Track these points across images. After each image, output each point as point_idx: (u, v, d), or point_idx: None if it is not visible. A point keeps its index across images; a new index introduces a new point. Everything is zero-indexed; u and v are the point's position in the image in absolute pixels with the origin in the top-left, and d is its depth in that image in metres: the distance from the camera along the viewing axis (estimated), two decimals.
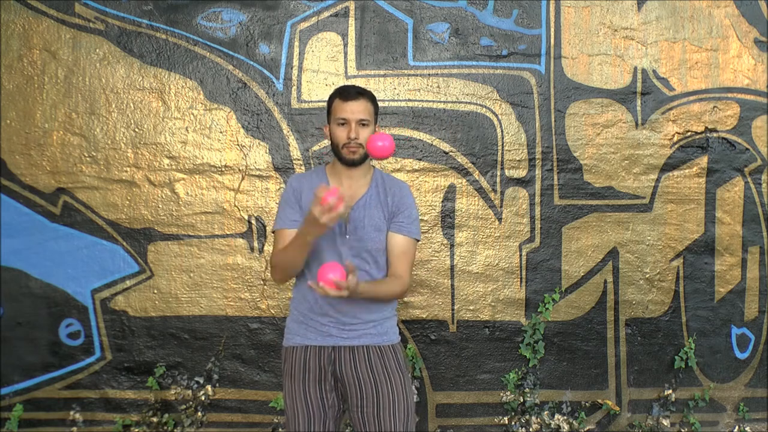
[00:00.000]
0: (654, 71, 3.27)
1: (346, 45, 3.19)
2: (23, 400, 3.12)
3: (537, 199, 3.24)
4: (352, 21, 3.18)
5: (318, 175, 2.10)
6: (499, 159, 3.22)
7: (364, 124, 2.00)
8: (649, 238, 3.27)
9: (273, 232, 2.09)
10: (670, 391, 3.29)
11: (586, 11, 3.26)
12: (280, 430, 3.16)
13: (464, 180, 3.21)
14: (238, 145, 3.16)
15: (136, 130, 3.14)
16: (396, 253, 2.04)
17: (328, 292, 1.73)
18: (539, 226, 3.24)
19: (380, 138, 1.94)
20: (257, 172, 3.16)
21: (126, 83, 3.13)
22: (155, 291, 3.14)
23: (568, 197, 3.25)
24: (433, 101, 3.20)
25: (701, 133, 3.30)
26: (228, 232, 3.16)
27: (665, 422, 3.27)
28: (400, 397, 2.01)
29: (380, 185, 2.08)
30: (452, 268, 3.21)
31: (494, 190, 3.22)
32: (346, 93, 2.01)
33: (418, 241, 2.11)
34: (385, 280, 2.03)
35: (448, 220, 3.21)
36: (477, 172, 3.21)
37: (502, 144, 3.22)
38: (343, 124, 2.00)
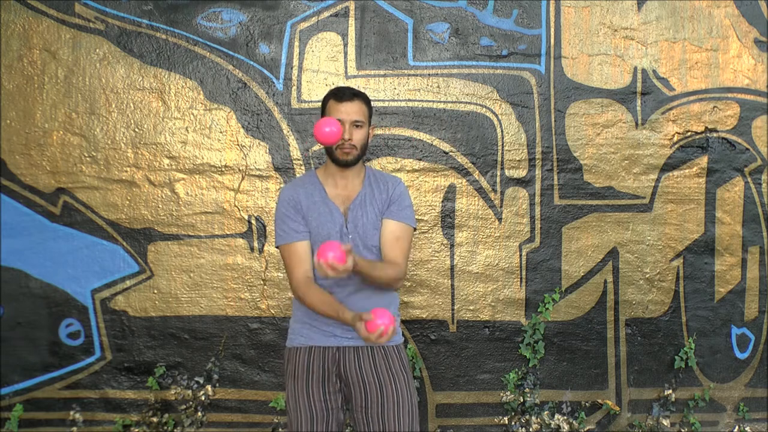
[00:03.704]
0: (654, 71, 3.27)
1: (346, 45, 3.19)
2: (23, 400, 3.12)
3: (537, 199, 3.24)
4: (352, 21, 3.18)
5: (310, 180, 2.11)
6: (499, 159, 3.22)
7: (358, 126, 2.01)
8: (649, 238, 3.27)
9: (278, 248, 2.06)
10: (670, 391, 3.29)
11: (586, 11, 3.26)
12: (280, 430, 3.16)
13: (464, 180, 3.21)
14: (238, 145, 3.16)
15: (136, 130, 3.14)
16: (389, 239, 2.02)
17: (327, 272, 1.72)
18: (539, 226, 3.24)
19: (327, 124, 1.92)
20: (257, 172, 3.16)
21: (126, 83, 3.13)
22: (155, 291, 3.14)
23: (568, 197, 3.25)
24: (433, 101, 3.20)
25: (701, 133, 3.29)
26: (228, 232, 3.15)
27: (665, 422, 3.27)
28: (404, 398, 2.01)
29: (373, 183, 2.10)
30: (452, 268, 3.21)
31: (494, 190, 3.22)
32: (340, 94, 2.02)
33: (414, 229, 2.08)
34: (381, 263, 2.01)
35: (448, 220, 3.21)
36: (477, 172, 3.21)
37: (502, 144, 3.22)
38: None
